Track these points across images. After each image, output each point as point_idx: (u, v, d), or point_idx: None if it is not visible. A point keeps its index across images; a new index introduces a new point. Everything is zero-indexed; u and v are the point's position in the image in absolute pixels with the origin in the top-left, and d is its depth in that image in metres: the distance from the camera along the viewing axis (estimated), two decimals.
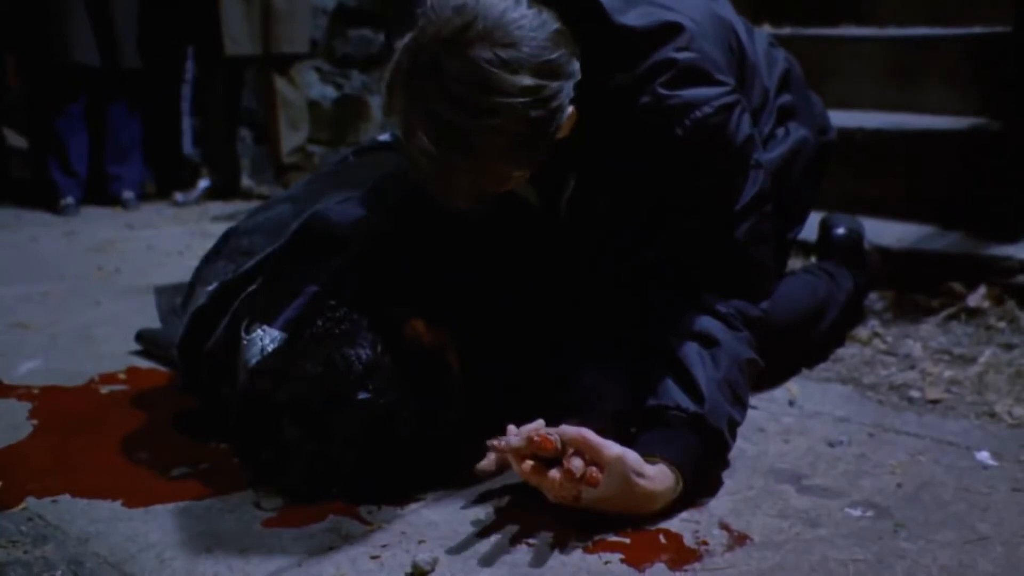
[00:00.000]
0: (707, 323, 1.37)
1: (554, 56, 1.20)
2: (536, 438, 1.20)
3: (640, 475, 1.22)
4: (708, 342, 1.35)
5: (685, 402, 1.30)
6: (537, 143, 1.23)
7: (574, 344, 1.50)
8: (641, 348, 1.42)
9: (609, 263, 1.51)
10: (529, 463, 1.21)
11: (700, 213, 1.42)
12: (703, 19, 1.41)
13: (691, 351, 1.34)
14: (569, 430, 1.22)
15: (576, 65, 1.24)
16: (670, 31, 1.35)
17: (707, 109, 1.34)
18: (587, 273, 1.54)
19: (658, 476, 1.24)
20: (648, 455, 1.25)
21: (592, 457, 1.21)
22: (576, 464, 1.19)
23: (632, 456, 1.22)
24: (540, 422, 1.26)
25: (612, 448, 1.21)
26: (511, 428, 1.25)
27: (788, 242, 1.77)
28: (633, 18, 1.33)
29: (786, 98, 1.71)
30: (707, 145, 1.36)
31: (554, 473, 1.20)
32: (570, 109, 1.25)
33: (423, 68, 1.18)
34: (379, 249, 1.44)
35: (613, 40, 1.32)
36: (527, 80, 1.17)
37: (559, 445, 1.21)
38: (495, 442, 1.22)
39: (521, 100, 1.17)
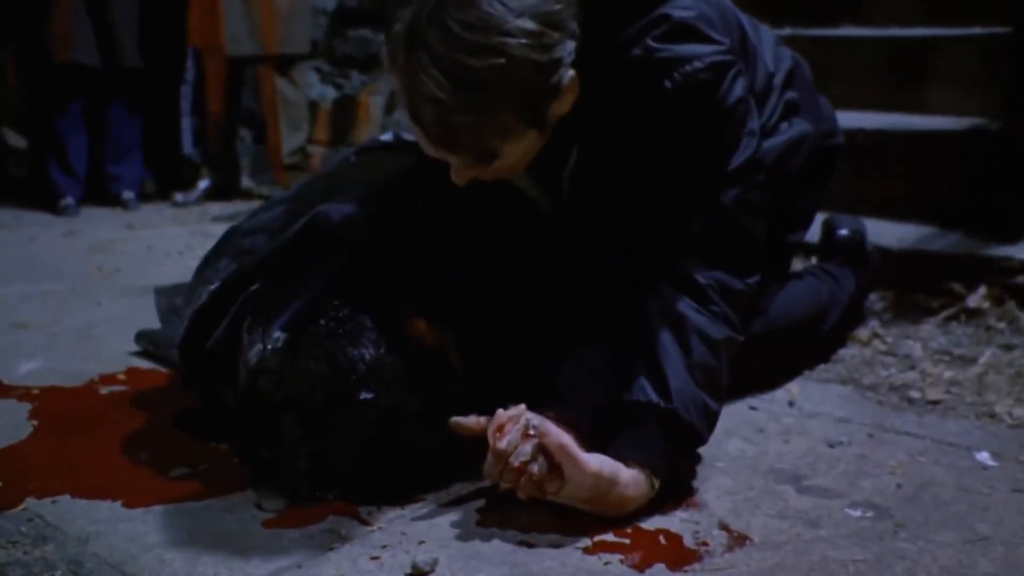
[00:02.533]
0: (682, 305, 1.33)
1: (556, 8, 1.22)
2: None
3: (615, 483, 1.23)
4: (680, 325, 1.32)
5: (655, 397, 1.28)
6: (540, 95, 1.24)
7: (569, 341, 1.49)
8: (624, 333, 1.39)
9: (612, 241, 1.50)
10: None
11: (686, 173, 1.38)
12: None
13: (664, 339, 1.32)
14: (551, 438, 1.22)
15: (576, 27, 1.25)
16: None
17: (698, 64, 1.32)
18: (586, 270, 1.53)
19: (632, 483, 1.25)
20: (621, 460, 1.25)
21: (568, 469, 1.21)
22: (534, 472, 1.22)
23: (607, 469, 1.23)
24: (522, 407, 1.27)
25: (589, 465, 1.21)
26: (499, 412, 1.25)
27: (791, 245, 1.77)
28: None
29: (792, 95, 1.70)
30: (696, 101, 1.34)
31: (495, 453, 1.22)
32: (572, 72, 1.26)
33: (428, 16, 1.20)
34: (381, 249, 1.44)
35: (615, 6, 1.32)
36: (529, 24, 1.19)
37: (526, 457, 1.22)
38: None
39: (524, 41, 1.19)
